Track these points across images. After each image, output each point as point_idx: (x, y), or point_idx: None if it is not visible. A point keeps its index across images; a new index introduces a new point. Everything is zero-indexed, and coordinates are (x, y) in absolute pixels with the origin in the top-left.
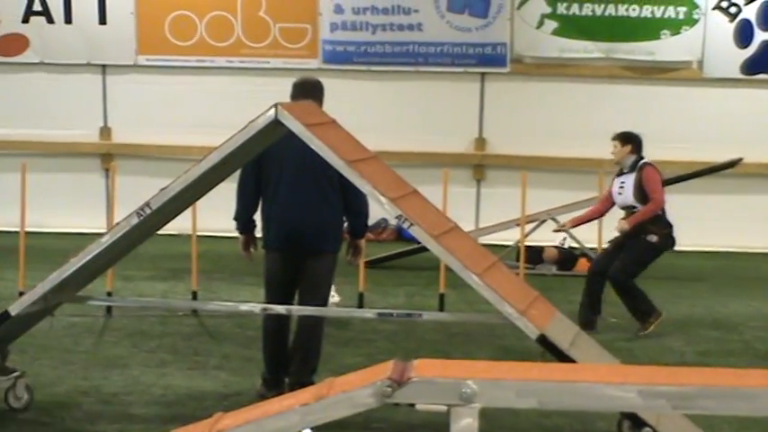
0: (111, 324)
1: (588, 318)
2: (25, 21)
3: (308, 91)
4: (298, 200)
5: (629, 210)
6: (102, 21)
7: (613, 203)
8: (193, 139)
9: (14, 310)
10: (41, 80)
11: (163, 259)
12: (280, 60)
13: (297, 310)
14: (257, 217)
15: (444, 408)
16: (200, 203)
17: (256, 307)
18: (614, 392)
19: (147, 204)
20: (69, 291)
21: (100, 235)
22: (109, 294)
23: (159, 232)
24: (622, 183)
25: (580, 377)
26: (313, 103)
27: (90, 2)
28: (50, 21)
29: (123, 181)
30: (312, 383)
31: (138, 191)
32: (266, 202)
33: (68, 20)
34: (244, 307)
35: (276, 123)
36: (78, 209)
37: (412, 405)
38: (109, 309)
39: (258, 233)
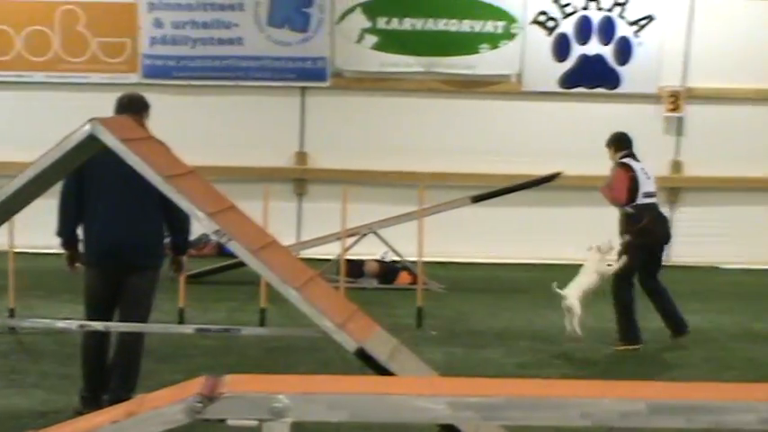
0: None
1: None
2: None
3: (127, 106)
4: (118, 215)
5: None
6: None
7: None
8: (12, 155)
9: None
10: None
11: None
12: (99, 75)
13: (115, 326)
14: (80, 232)
15: (255, 423)
16: (17, 219)
17: (73, 323)
18: (424, 404)
19: None
20: None
21: None
22: None
23: None
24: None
25: (391, 390)
26: (130, 118)
27: None
28: None
29: None
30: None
31: None
32: (87, 217)
33: None
34: (60, 324)
35: (91, 138)
36: None
37: (223, 421)
38: None
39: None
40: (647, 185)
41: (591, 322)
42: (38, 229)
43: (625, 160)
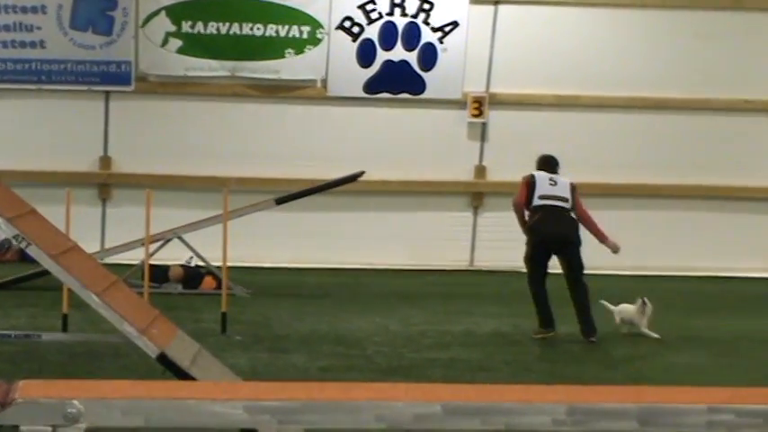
0: None
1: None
2: None
3: None
4: None
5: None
6: None
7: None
8: None
9: None
10: None
11: None
12: None
13: None
14: None
15: (50, 429)
16: None
17: None
18: (221, 409)
19: None
20: None
21: None
22: None
23: None
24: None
25: (188, 394)
26: None
27: None
28: None
29: None
30: None
31: None
32: None
33: None
34: None
35: None
36: None
37: (16, 427)
38: None
39: None
40: (544, 190)
41: (396, 327)
42: None
43: (532, 172)
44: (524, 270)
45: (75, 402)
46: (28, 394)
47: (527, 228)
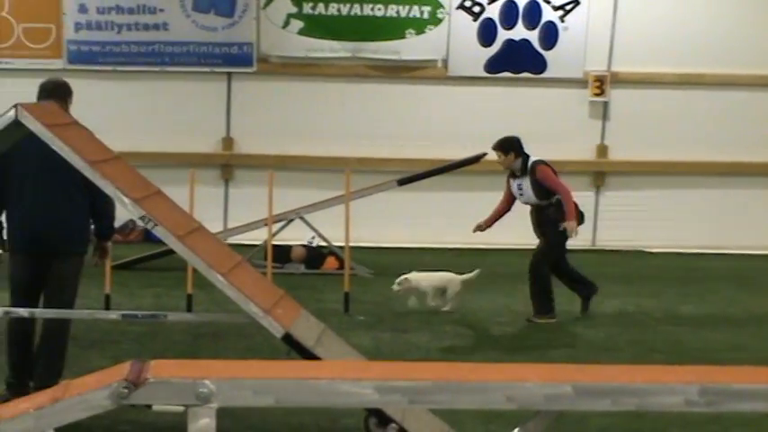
0: None
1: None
2: None
3: (51, 91)
4: (42, 202)
5: (534, 206)
6: None
7: (514, 199)
8: None
9: None
10: None
11: None
12: (23, 61)
13: (40, 312)
14: (4, 218)
15: (182, 408)
16: None
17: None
18: (350, 388)
19: None
20: None
21: None
22: None
23: None
24: (519, 185)
25: (317, 374)
26: (55, 103)
27: None
28: None
29: None
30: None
31: None
32: (11, 204)
33: None
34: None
35: (16, 124)
36: None
37: (149, 406)
38: None
39: (5, 235)
40: None
41: (520, 306)
42: None
43: (537, 158)
44: (648, 249)
45: (207, 382)
46: (160, 374)
47: (579, 213)
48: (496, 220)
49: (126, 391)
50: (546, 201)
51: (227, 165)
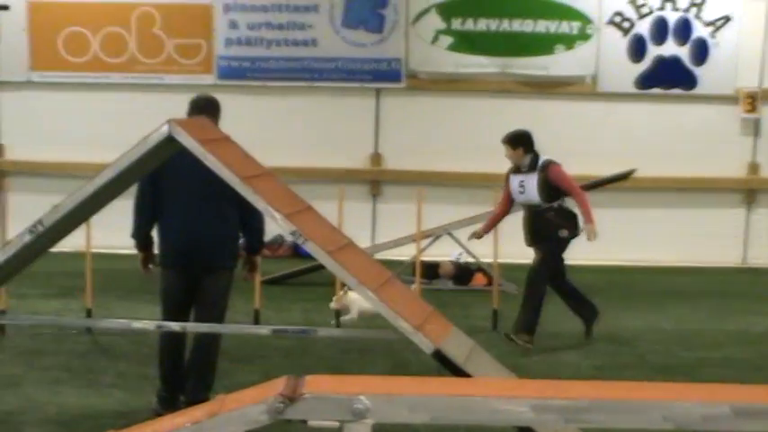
0: (4, 343)
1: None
2: None
3: (203, 107)
4: (194, 216)
5: (533, 207)
6: None
7: (513, 202)
8: (88, 155)
9: None
10: None
11: (57, 277)
12: (174, 76)
13: (192, 327)
14: (155, 233)
15: (337, 424)
16: (94, 220)
17: (150, 324)
18: (506, 406)
19: (40, 222)
20: None
21: None
22: (2, 312)
23: (53, 249)
24: (522, 182)
25: (472, 391)
26: (207, 119)
27: None
28: None
29: (17, 198)
30: (207, 401)
31: (32, 208)
32: (163, 218)
33: None
34: (137, 324)
35: (169, 139)
36: None
37: (304, 422)
38: (2, 327)
39: (156, 250)
40: None
41: (669, 325)
42: (114, 229)
43: (550, 158)
44: None
45: (363, 398)
46: (316, 389)
47: (572, 225)
48: (495, 224)
49: (282, 405)
50: (548, 203)
51: (375, 180)
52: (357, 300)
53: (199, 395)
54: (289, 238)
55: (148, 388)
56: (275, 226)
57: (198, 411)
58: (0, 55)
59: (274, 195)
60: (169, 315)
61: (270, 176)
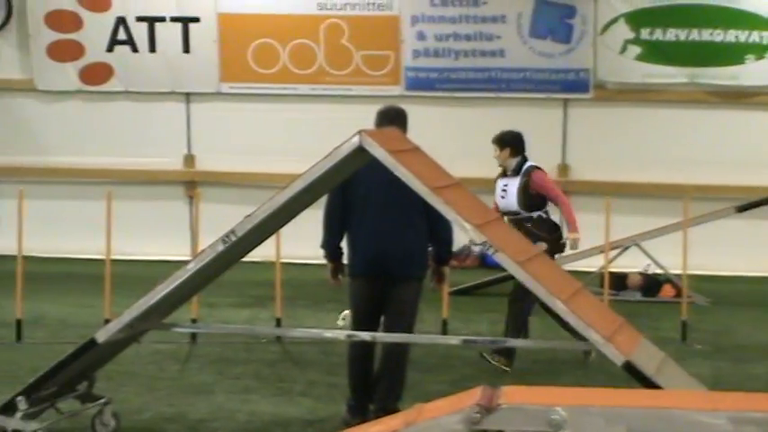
0: (195, 351)
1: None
2: (110, 50)
3: (392, 118)
4: (383, 226)
5: (512, 215)
6: (186, 49)
7: None
8: (276, 166)
9: (101, 337)
10: (126, 108)
11: (247, 286)
12: (362, 87)
13: (382, 336)
14: (343, 244)
15: None
16: (283, 230)
17: (341, 334)
18: (705, 419)
19: (233, 231)
20: (155, 318)
21: (184, 262)
22: (193, 321)
23: (243, 259)
24: (505, 186)
25: (670, 403)
26: (397, 129)
27: (174, 31)
28: (135, 50)
29: (207, 208)
30: (397, 410)
31: (222, 218)
32: (352, 228)
33: (152, 49)
34: (328, 334)
35: (360, 150)
36: (162, 236)
37: None
38: (194, 336)
39: (345, 260)
40: None
41: None
42: (302, 239)
43: (535, 163)
44: None
45: (559, 409)
46: (512, 400)
47: (555, 239)
48: None
49: (479, 416)
50: (527, 213)
51: (563, 191)
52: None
53: (388, 404)
54: (477, 249)
55: (338, 397)
56: (466, 236)
57: (395, 420)
58: (191, 66)
59: (464, 206)
60: (358, 324)
61: (459, 187)
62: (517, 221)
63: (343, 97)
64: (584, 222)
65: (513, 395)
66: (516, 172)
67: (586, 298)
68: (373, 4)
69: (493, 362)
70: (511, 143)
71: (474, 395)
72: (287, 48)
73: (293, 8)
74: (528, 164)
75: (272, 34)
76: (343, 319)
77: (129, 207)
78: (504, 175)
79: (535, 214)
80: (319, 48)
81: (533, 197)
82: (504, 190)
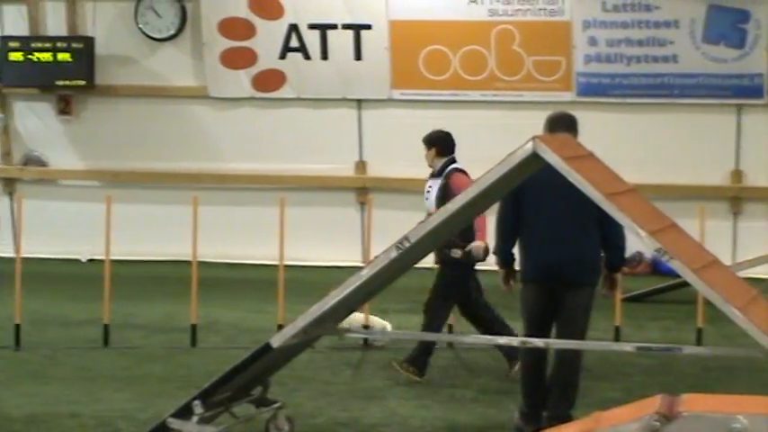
0: (367, 356)
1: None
2: (282, 57)
3: (568, 125)
4: (557, 233)
5: None
6: (358, 56)
7: None
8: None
9: (276, 342)
10: (297, 115)
11: (418, 292)
12: (533, 93)
13: (556, 343)
14: (515, 250)
15: None
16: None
17: (514, 340)
18: None
19: (406, 238)
20: (329, 324)
21: (355, 268)
22: (366, 327)
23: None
24: (429, 187)
25: None
26: (570, 135)
27: (346, 38)
28: (307, 57)
29: (378, 215)
30: (570, 418)
31: (393, 225)
32: (524, 234)
33: (324, 56)
34: (501, 340)
35: (534, 156)
36: (334, 243)
37: None
38: (366, 341)
39: (517, 266)
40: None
41: None
42: None
43: (460, 166)
44: None
45: (741, 418)
46: (693, 408)
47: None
48: None
49: (658, 424)
50: None
51: (735, 198)
52: (357, 321)
53: (561, 412)
54: (649, 256)
55: (510, 404)
56: (641, 243)
57: (571, 428)
58: (363, 73)
59: (639, 212)
60: (530, 330)
61: (634, 193)
62: None
63: (514, 103)
64: (759, 229)
65: (693, 403)
66: (440, 173)
67: (763, 305)
68: (544, 9)
69: (401, 371)
70: (436, 143)
71: (654, 403)
72: (458, 54)
73: (464, 15)
74: (452, 166)
75: (443, 41)
76: None
77: (301, 213)
78: (432, 175)
79: None
80: (490, 54)
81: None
82: (429, 191)
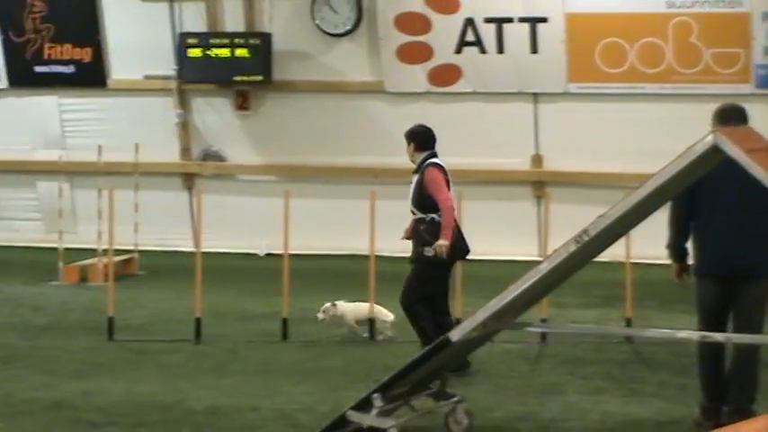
0: (545, 350)
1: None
2: (458, 51)
3: (740, 117)
4: (733, 227)
5: (412, 215)
6: (534, 50)
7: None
8: (624, 166)
9: (455, 336)
10: (474, 109)
11: (594, 286)
12: (711, 86)
13: (736, 338)
14: (688, 244)
15: None
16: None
17: (694, 335)
18: None
19: (585, 231)
20: (507, 318)
21: (531, 262)
22: (543, 321)
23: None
24: (411, 183)
25: None
26: (750, 128)
27: (522, 32)
28: (483, 51)
29: (554, 209)
30: (751, 412)
31: (569, 219)
32: (699, 228)
33: (500, 50)
34: (681, 334)
35: (714, 150)
36: (510, 236)
37: None
38: (544, 335)
39: (690, 260)
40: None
41: None
42: (649, 239)
43: (437, 161)
44: None
45: None
46: None
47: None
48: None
49: None
50: (421, 213)
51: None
52: (349, 310)
53: (741, 406)
54: None
55: (689, 399)
56: None
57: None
58: (539, 67)
59: None
60: (705, 325)
61: None
62: (414, 222)
63: (692, 96)
64: None
65: None
66: (418, 169)
67: None
68: (723, 1)
69: None
70: (414, 138)
71: None
72: (635, 47)
73: (641, 7)
74: (429, 160)
75: (620, 33)
76: (323, 311)
77: (478, 207)
78: (414, 171)
79: (428, 216)
80: (667, 46)
81: (426, 198)
82: (411, 187)
